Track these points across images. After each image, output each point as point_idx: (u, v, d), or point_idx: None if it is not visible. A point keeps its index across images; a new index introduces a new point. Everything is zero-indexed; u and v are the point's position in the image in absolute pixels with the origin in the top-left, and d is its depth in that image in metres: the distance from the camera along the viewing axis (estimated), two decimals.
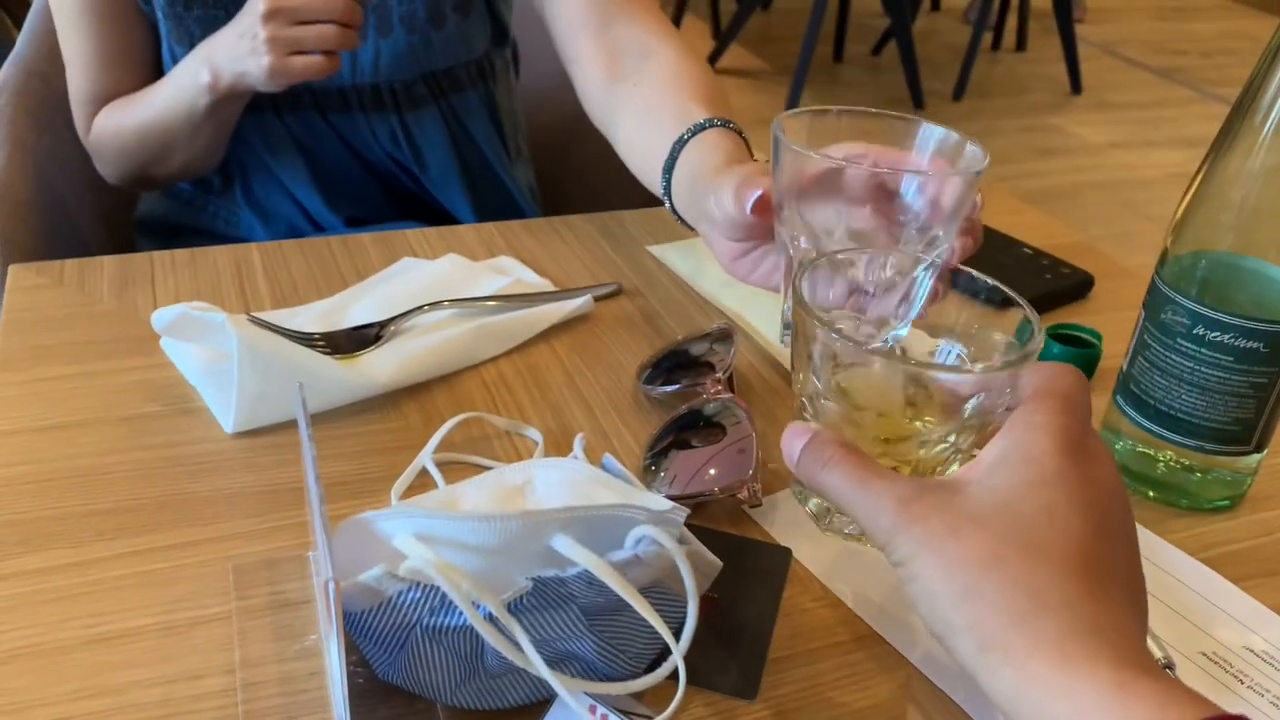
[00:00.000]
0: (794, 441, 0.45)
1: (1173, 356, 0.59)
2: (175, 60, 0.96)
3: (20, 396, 0.64)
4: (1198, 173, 0.58)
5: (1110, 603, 0.38)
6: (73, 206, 1.12)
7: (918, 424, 0.49)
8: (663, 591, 0.45)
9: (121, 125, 0.99)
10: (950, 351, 0.54)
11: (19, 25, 2.35)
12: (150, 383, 0.66)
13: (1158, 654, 0.50)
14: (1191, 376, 0.58)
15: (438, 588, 0.40)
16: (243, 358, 0.60)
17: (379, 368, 0.67)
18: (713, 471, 0.57)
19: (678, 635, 0.43)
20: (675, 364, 0.68)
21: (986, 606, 0.37)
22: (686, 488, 0.57)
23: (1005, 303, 0.50)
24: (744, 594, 0.53)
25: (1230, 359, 0.57)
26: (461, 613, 0.40)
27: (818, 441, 0.44)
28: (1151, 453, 0.62)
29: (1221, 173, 0.56)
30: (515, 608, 0.41)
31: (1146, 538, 0.60)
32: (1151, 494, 0.63)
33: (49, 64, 1.13)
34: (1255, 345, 0.56)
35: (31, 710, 0.45)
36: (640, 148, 0.83)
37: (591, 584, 0.41)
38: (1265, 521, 0.62)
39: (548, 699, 0.46)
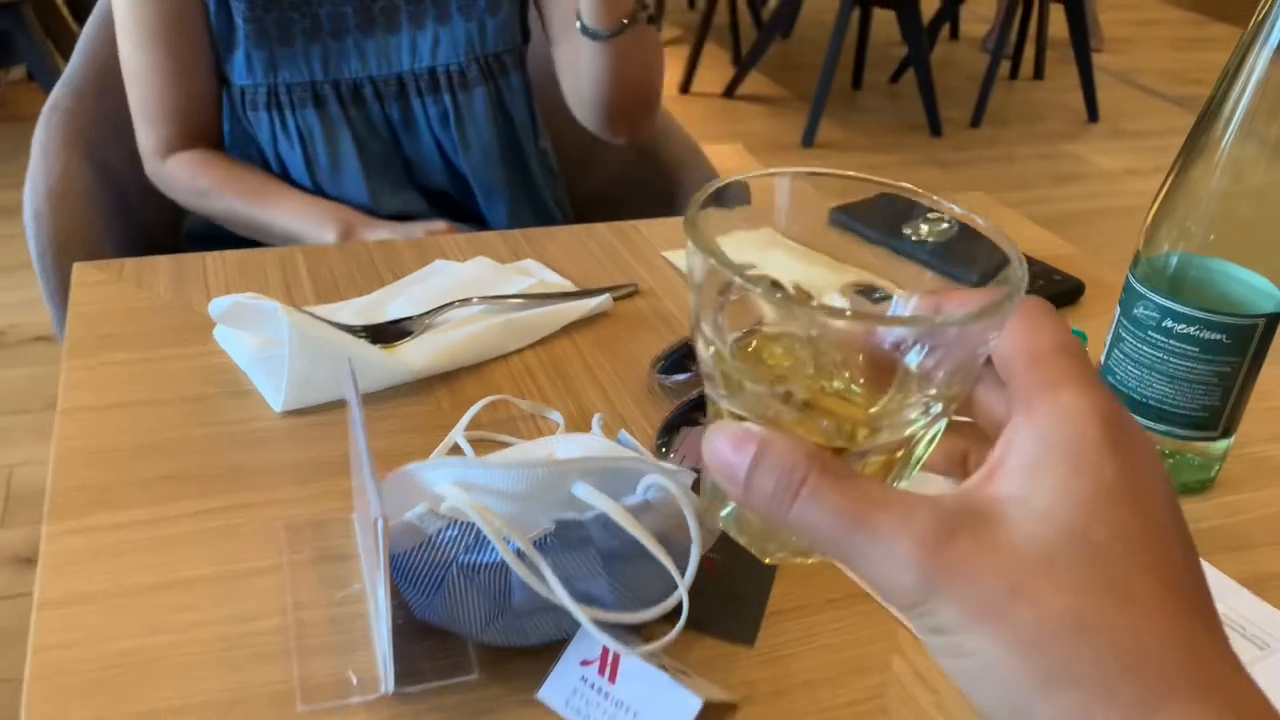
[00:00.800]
0: (734, 453, 0.31)
1: (1144, 348, 0.64)
2: (250, 65, 1.02)
3: (88, 379, 0.70)
4: (1165, 180, 0.63)
5: (1216, 642, 0.29)
6: (125, 214, 1.19)
7: (874, 403, 0.33)
8: (671, 544, 0.50)
9: (211, 203, 1.08)
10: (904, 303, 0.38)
11: (66, 56, 2.47)
12: (204, 368, 0.72)
13: None
14: (1162, 366, 0.63)
15: (473, 525, 0.46)
16: (293, 341, 0.66)
17: (414, 356, 0.72)
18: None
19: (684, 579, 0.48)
20: (687, 355, 0.74)
21: (1085, 693, 0.27)
22: (696, 463, 0.62)
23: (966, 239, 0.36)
24: (744, 556, 0.58)
25: (1196, 350, 0.62)
26: (493, 550, 0.46)
27: (776, 455, 0.30)
28: None
29: (1186, 181, 0.61)
30: (540, 547, 0.46)
31: None
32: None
33: (98, 84, 1.20)
34: (1219, 337, 0.61)
35: (106, 643, 0.51)
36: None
37: (607, 527, 0.46)
38: (1232, 504, 0.66)
39: (566, 640, 0.51)
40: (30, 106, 3.23)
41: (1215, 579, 0.60)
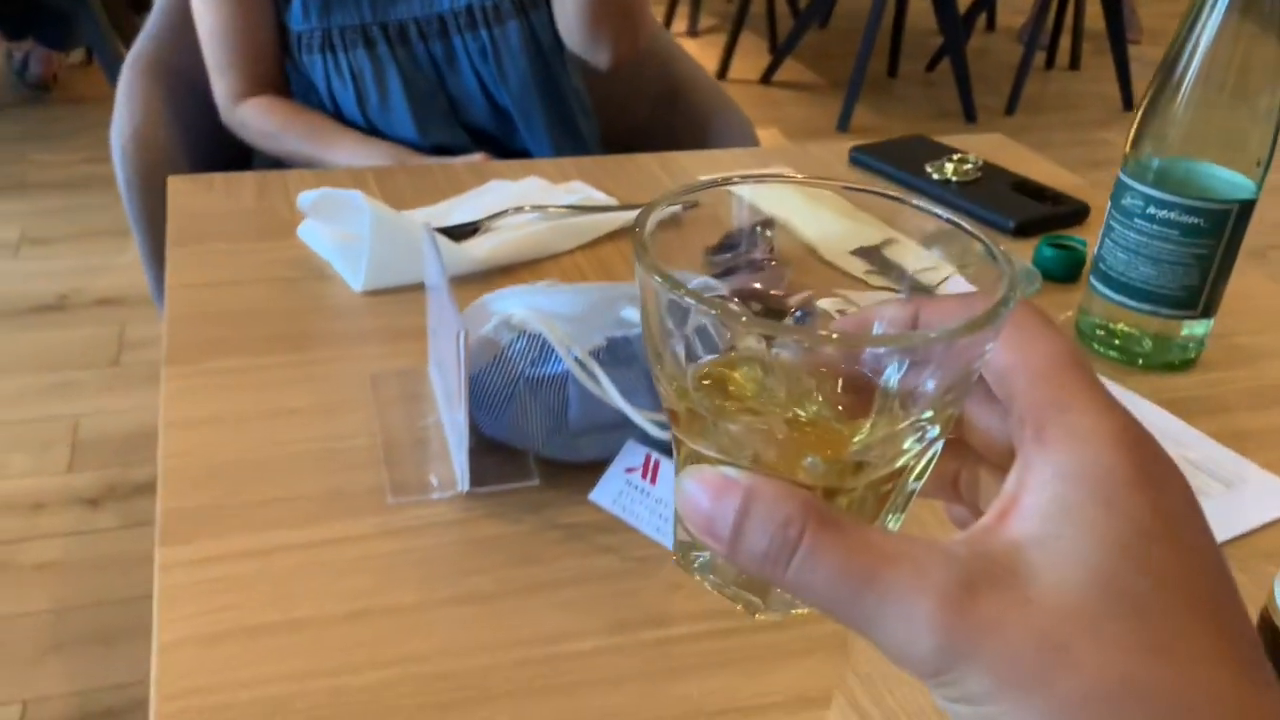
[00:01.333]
0: (714, 504, 0.26)
1: (1131, 234, 0.71)
2: (305, 10, 1.12)
3: (192, 263, 0.80)
4: (1145, 95, 0.70)
5: (1268, 698, 0.26)
6: (200, 157, 1.29)
7: (857, 431, 0.29)
8: None
9: (279, 144, 1.18)
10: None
11: (125, 39, 2.59)
12: (291, 259, 0.81)
13: None
14: (1146, 250, 0.71)
15: (540, 337, 0.54)
16: (374, 226, 0.75)
17: (477, 249, 0.81)
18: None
19: None
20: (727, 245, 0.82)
21: None
22: None
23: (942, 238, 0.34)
24: None
25: (1177, 233, 0.69)
26: (556, 361, 0.54)
27: (765, 506, 0.26)
28: (1117, 326, 0.74)
29: (1162, 97, 0.69)
30: (594, 359, 0.55)
31: (1107, 385, 0.72)
32: (1114, 355, 0.75)
33: (174, 39, 1.30)
34: (1196, 221, 0.68)
35: (221, 454, 0.60)
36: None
37: None
38: (1213, 379, 0.74)
39: (612, 458, 0.59)
40: (88, 89, 3.37)
41: (1190, 434, 0.67)
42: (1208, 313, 0.72)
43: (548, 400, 0.56)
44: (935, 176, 0.98)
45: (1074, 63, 4.69)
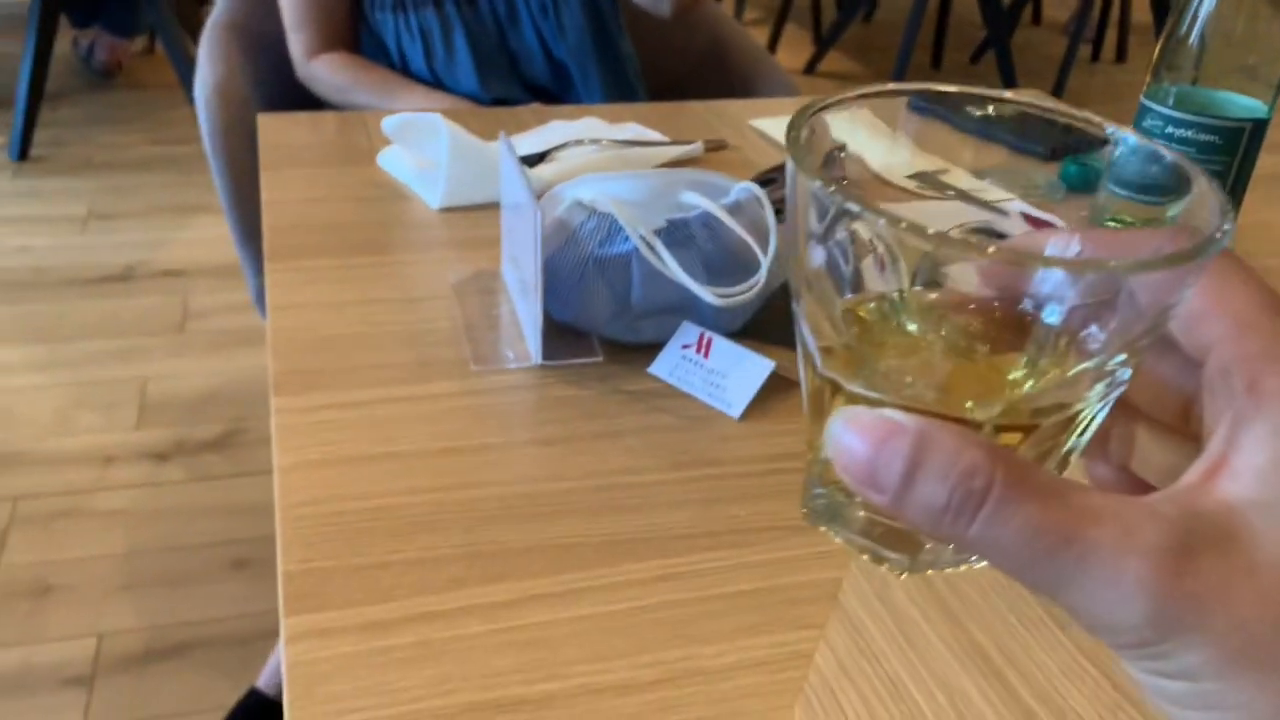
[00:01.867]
0: (877, 451, 0.23)
1: None
2: None
3: (283, 183, 0.87)
4: (1166, 28, 0.76)
5: None
6: (278, 103, 1.37)
7: (1039, 379, 0.26)
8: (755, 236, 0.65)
9: (350, 98, 1.25)
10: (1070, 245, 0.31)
11: (187, 28, 2.69)
12: (372, 181, 0.89)
13: None
14: None
15: (609, 217, 0.61)
16: (452, 146, 0.82)
17: (543, 174, 0.88)
18: None
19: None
20: (776, 175, 0.88)
21: None
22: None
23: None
24: None
25: (1194, 150, 0.75)
26: (623, 240, 0.61)
27: (944, 455, 0.23)
28: (1126, 218, 0.80)
29: (1180, 28, 0.74)
30: (656, 237, 0.61)
31: None
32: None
33: (250, 4, 1.39)
34: (1212, 139, 0.74)
35: (316, 331, 0.67)
36: None
37: (707, 224, 0.61)
38: None
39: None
40: (150, 76, 3.49)
41: None
42: None
43: (613, 280, 0.63)
44: (979, 114, 1.04)
45: (1120, 55, 4.70)
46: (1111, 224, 0.81)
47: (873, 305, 0.27)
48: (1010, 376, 0.26)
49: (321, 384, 0.61)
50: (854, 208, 0.23)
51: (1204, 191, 0.26)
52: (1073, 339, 0.24)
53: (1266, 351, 0.24)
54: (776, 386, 0.63)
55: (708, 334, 0.63)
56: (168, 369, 2.05)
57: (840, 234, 0.25)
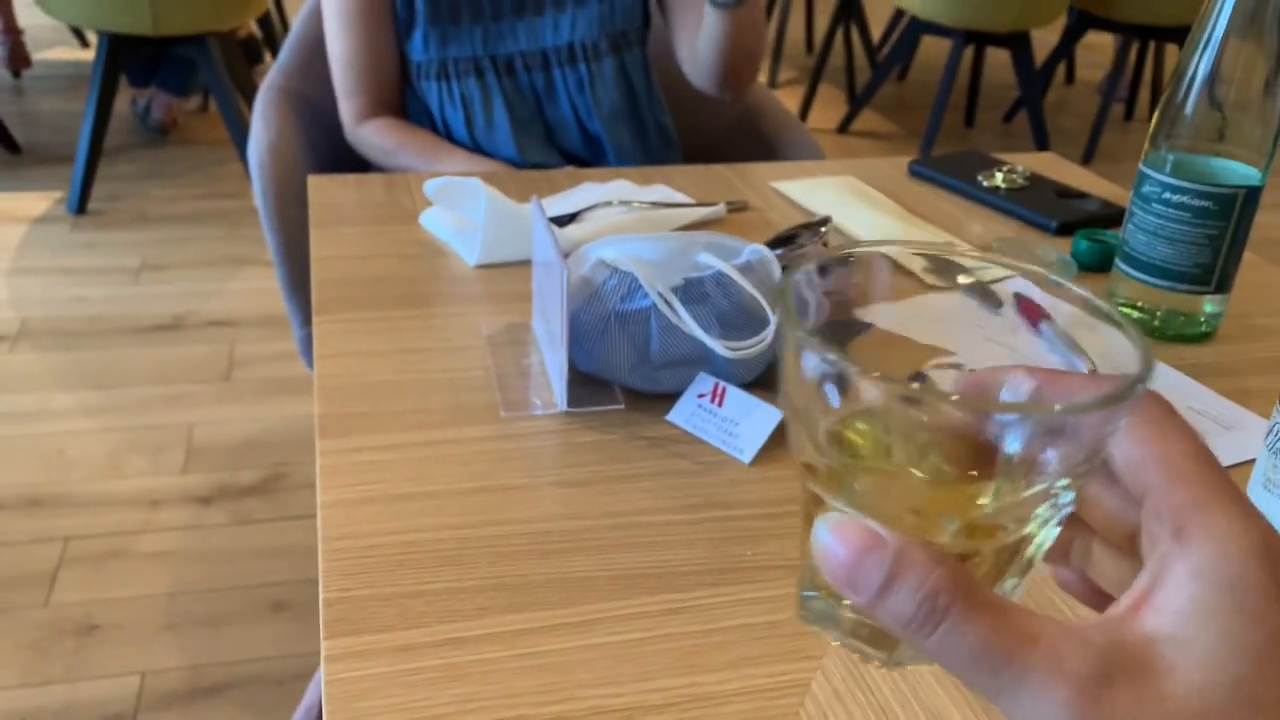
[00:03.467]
0: (858, 559, 0.27)
1: (1150, 217, 0.80)
2: (426, 43, 1.27)
3: (331, 240, 0.93)
4: (1163, 96, 0.80)
5: None
6: (326, 166, 1.44)
7: (995, 501, 0.29)
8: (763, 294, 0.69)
9: (396, 160, 1.32)
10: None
11: (240, 87, 2.80)
12: (414, 240, 0.94)
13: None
14: (1163, 231, 0.80)
15: (630, 275, 0.65)
16: (489, 208, 0.87)
17: (572, 235, 0.93)
18: None
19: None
20: (789, 238, 0.92)
21: None
22: None
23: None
24: None
25: (1190, 215, 0.78)
26: (643, 298, 0.65)
27: (916, 572, 0.27)
28: (1141, 304, 0.83)
29: (1176, 98, 0.78)
30: (674, 294, 0.66)
31: None
32: (1142, 330, 0.83)
33: (303, 70, 1.47)
34: (1207, 204, 0.78)
35: (362, 377, 0.72)
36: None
37: (720, 283, 0.66)
38: (1227, 350, 0.82)
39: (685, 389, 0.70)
40: (203, 133, 3.63)
41: (1199, 389, 0.76)
42: (1221, 288, 0.81)
43: (633, 334, 0.67)
44: (985, 184, 1.08)
45: (1153, 114, 4.72)
46: (1124, 310, 0.85)
47: (859, 426, 0.30)
48: (979, 501, 0.29)
49: (363, 427, 0.66)
50: (832, 362, 0.28)
51: (1132, 339, 0.29)
52: (1031, 466, 0.28)
53: (1193, 501, 0.28)
54: (785, 435, 0.67)
55: (722, 384, 0.68)
56: (213, 415, 2.12)
57: (824, 372, 0.28)
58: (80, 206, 2.95)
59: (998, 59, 4.38)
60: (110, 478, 1.90)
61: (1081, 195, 1.08)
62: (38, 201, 3.02)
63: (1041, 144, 3.96)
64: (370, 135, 1.34)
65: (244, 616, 1.60)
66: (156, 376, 2.23)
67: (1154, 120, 0.81)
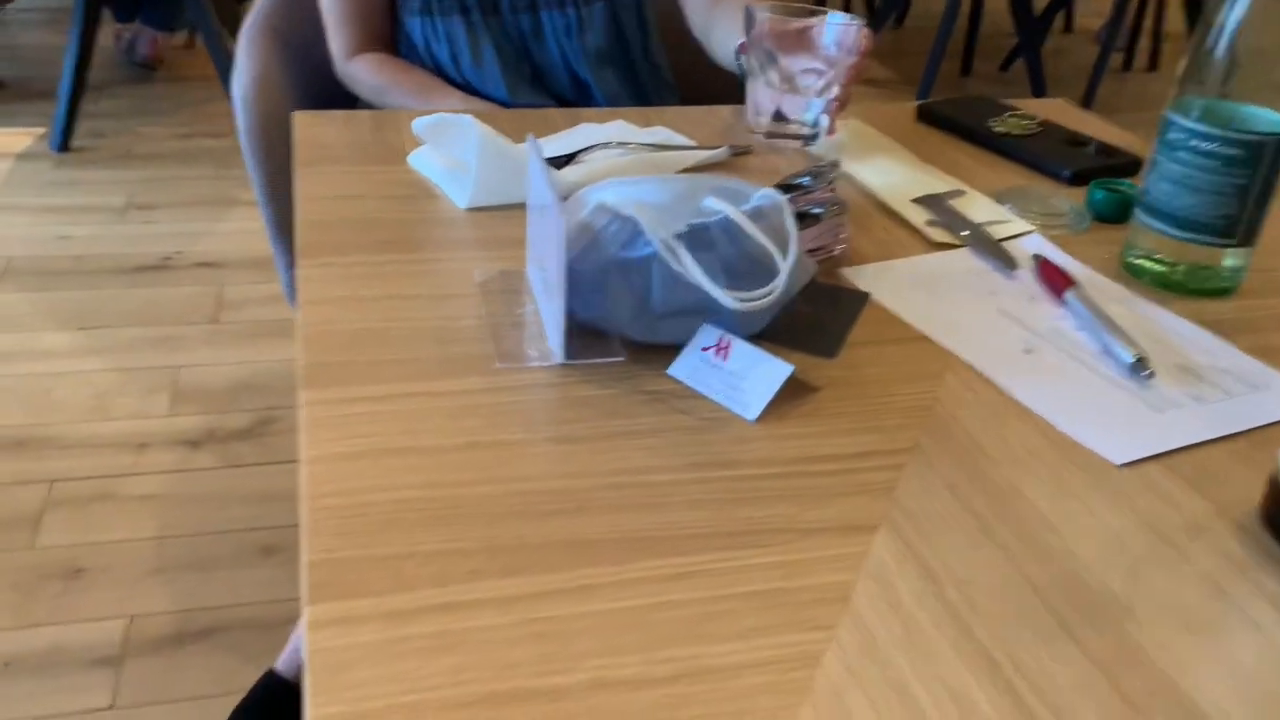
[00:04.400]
0: None
1: (1175, 166, 0.77)
2: None
3: (317, 180, 0.89)
4: (1192, 40, 0.76)
5: None
6: (312, 104, 1.39)
7: None
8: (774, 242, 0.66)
9: (387, 99, 1.26)
10: None
11: (225, 23, 2.71)
12: (403, 180, 0.90)
13: (1133, 352, 0.68)
14: (1189, 181, 0.76)
15: (630, 220, 0.62)
16: (481, 147, 0.83)
17: (569, 176, 0.89)
18: (816, 234, 0.78)
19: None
20: (796, 183, 0.89)
21: None
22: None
23: None
24: (831, 308, 0.73)
25: (1218, 164, 0.75)
26: (644, 245, 0.62)
27: None
28: (1162, 256, 0.80)
29: (1206, 42, 0.74)
30: (677, 240, 0.62)
31: (1149, 309, 0.78)
32: (1157, 284, 0.80)
33: (288, 6, 1.41)
34: (1236, 153, 0.74)
35: (348, 325, 0.68)
36: (725, 44, 1.16)
37: (727, 230, 0.62)
38: (1250, 305, 0.79)
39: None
40: (190, 69, 3.54)
41: (1222, 346, 0.73)
42: (1246, 241, 0.78)
43: (634, 283, 0.64)
44: (997, 129, 1.04)
45: (1152, 64, 4.65)
46: (1144, 263, 0.82)
47: None
48: None
49: (348, 378, 0.63)
50: None
51: None
52: None
53: None
54: (794, 390, 0.64)
55: (727, 336, 0.64)
56: (202, 357, 2.08)
57: None
58: (64, 144, 2.89)
59: (996, 5, 4.29)
60: (97, 419, 1.87)
61: (1093, 143, 1.05)
62: (20, 138, 2.95)
63: (1039, 93, 3.89)
64: (361, 71, 1.29)
65: (232, 561, 1.58)
66: (144, 317, 2.19)
67: (1182, 65, 0.77)
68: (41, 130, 3.00)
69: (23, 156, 2.85)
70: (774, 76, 1.02)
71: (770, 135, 1.03)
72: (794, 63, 1.02)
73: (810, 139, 1.03)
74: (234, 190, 2.76)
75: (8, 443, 1.79)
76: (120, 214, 2.61)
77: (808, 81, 1.01)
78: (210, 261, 2.44)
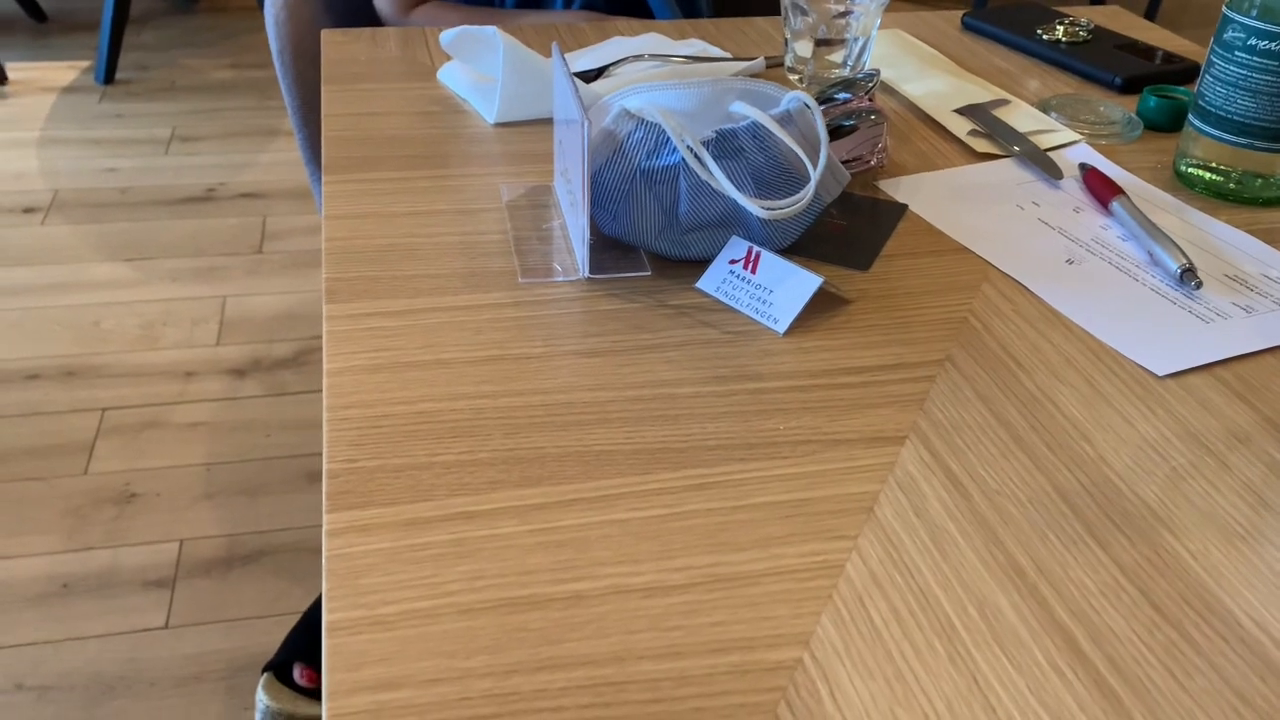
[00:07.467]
0: None
1: (1231, 68, 0.73)
2: None
3: (344, 97, 0.88)
4: None
5: None
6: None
7: None
8: (805, 150, 0.64)
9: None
10: None
11: None
12: (431, 97, 0.89)
13: (1180, 261, 0.66)
14: (1246, 83, 0.73)
15: (656, 127, 0.60)
16: (507, 58, 0.81)
17: (601, 88, 0.87)
18: (852, 144, 0.75)
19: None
20: (833, 95, 0.86)
21: None
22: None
23: None
24: (867, 220, 0.71)
25: (1275, 63, 0.71)
26: (670, 153, 0.60)
27: None
28: (1216, 163, 0.77)
29: None
30: (705, 148, 0.60)
31: (1200, 218, 0.74)
32: (1209, 192, 0.77)
33: None
34: None
35: (376, 240, 0.68)
36: None
37: (756, 136, 0.60)
38: None
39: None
40: (232, 0, 3.53)
41: (1270, 253, 0.70)
42: None
43: (660, 194, 0.62)
44: (1045, 37, 1.00)
45: None
46: (1197, 171, 0.79)
47: None
48: None
49: (372, 292, 0.62)
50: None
51: None
52: None
53: None
54: (823, 302, 0.63)
55: (756, 249, 0.63)
56: (247, 287, 2.10)
57: None
58: (108, 76, 2.90)
59: None
60: (145, 349, 1.90)
61: (1148, 49, 1.00)
62: (65, 71, 2.96)
63: (1096, 0, 3.76)
64: (425, 21, 1.27)
65: (279, 486, 1.61)
66: (189, 249, 2.21)
67: None
68: (86, 63, 3.01)
69: (68, 90, 2.87)
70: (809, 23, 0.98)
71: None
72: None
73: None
74: (276, 121, 2.76)
75: (59, 372, 1.83)
76: (164, 146, 2.63)
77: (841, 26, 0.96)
78: (254, 192, 2.45)
